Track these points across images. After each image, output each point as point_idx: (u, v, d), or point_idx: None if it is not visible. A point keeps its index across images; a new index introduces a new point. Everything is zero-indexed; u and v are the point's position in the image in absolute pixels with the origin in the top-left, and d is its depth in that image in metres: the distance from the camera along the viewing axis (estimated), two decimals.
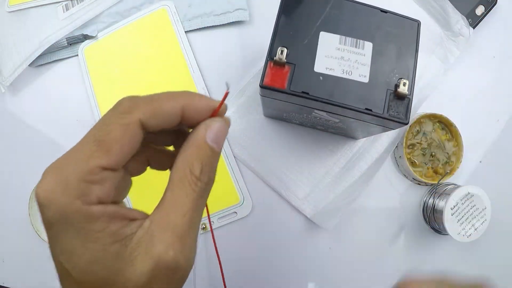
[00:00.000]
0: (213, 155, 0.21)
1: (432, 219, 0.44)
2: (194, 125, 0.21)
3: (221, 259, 0.37)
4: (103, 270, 0.18)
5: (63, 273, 0.19)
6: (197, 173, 0.20)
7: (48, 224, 0.18)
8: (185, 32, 0.48)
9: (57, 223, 0.18)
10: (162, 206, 0.20)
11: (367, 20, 0.29)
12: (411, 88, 0.28)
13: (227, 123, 0.22)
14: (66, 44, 0.49)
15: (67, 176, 0.18)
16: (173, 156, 0.22)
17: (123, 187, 0.21)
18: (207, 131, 0.21)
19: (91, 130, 0.19)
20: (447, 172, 0.45)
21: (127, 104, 0.19)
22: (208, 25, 0.48)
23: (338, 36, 0.28)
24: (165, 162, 0.24)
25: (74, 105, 0.49)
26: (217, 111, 0.21)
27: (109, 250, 0.18)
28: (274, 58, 0.27)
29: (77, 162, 0.18)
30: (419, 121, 0.45)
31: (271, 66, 0.27)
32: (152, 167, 0.24)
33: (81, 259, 0.18)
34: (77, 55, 0.49)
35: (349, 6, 0.29)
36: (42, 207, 0.18)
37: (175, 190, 0.20)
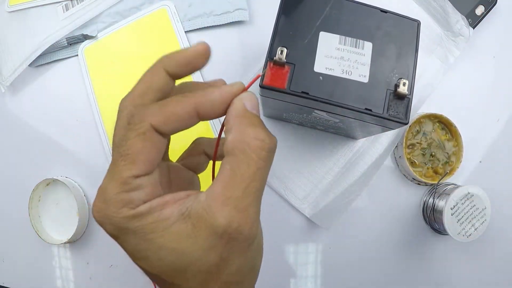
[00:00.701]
0: (261, 123, 0.21)
1: (432, 219, 0.44)
2: (215, 117, 0.21)
3: None
4: (170, 255, 0.19)
5: (147, 274, 0.21)
6: (262, 137, 0.19)
7: (114, 237, 0.20)
8: (185, 32, 0.48)
9: (118, 234, 0.19)
10: (220, 179, 0.19)
11: (367, 20, 0.28)
12: (411, 88, 0.28)
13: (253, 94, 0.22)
14: (66, 44, 0.49)
15: (108, 194, 0.19)
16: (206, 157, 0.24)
17: (187, 183, 0.24)
18: (244, 103, 0.20)
19: (114, 149, 0.20)
20: (447, 172, 0.45)
21: (137, 115, 0.20)
22: (208, 25, 0.48)
23: (338, 36, 0.28)
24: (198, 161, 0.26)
25: (74, 105, 0.49)
26: (244, 91, 0.21)
27: (169, 233, 0.19)
28: (274, 58, 0.27)
29: (114, 180, 0.19)
30: (419, 121, 0.45)
31: (271, 66, 0.27)
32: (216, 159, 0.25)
33: (148, 253, 0.19)
34: (77, 55, 0.49)
35: (349, 6, 0.29)
36: (102, 225, 0.20)
37: (233, 163, 0.19)
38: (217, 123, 0.46)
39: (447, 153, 0.46)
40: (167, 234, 0.19)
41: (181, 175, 0.26)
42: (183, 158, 0.28)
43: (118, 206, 0.19)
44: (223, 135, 0.22)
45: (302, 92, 0.27)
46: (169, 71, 0.21)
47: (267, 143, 0.19)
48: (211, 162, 0.26)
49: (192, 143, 0.28)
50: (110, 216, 0.19)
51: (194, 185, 0.27)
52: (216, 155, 0.25)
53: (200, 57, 0.21)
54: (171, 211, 0.19)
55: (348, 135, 0.44)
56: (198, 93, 0.20)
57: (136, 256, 0.20)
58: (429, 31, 0.47)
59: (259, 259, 0.23)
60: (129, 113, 0.20)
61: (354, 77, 0.27)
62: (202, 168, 0.27)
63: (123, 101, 0.21)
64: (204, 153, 0.27)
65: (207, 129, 0.46)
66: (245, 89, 0.21)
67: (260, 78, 0.27)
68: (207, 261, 0.19)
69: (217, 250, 0.19)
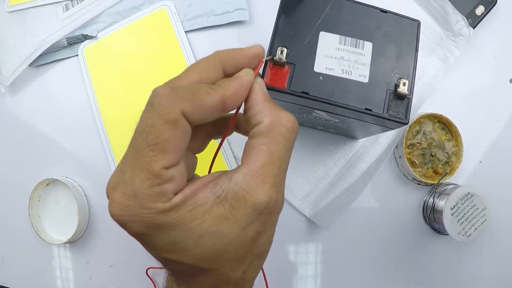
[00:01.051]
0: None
1: (432, 219, 0.44)
2: (235, 108, 0.22)
3: None
4: (210, 239, 0.19)
5: (173, 268, 0.21)
6: (292, 119, 0.21)
7: (139, 236, 0.19)
8: (185, 32, 0.48)
9: (147, 232, 0.19)
10: (257, 159, 0.20)
11: (367, 20, 0.28)
12: (411, 88, 0.28)
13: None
14: (66, 44, 0.49)
15: (137, 188, 0.18)
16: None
17: (191, 167, 0.23)
18: (262, 88, 0.22)
19: (139, 136, 0.19)
20: (447, 172, 0.45)
21: (165, 97, 0.19)
22: (208, 25, 0.48)
23: (338, 36, 0.28)
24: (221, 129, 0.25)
25: (74, 105, 0.49)
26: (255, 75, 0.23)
27: (208, 218, 0.19)
28: (274, 58, 0.27)
29: (141, 172, 0.18)
30: (419, 121, 0.45)
31: (271, 66, 0.27)
32: (216, 137, 0.26)
33: (186, 244, 0.19)
34: (77, 55, 0.49)
35: (349, 6, 0.29)
36: (124, 225, 0.19)
37: (270, 143, 0.20)
38: None
39: (447, 153, 0.46)
40: (207, 219, 0.19)
41: (186, 157, 0.26)
42: None
43: (152, 200, 0.18)
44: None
45: (302, 92, 0.27)
46: (225, 70, 0.22)
47: (296, 125, 0.21)
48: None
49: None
50: (141, 213, 0.18)
51: (195, 166, 0.25)
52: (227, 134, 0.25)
53: (255, 60, 0.23)
54: (205, 196, 0.19)
55: (348, 135, 0.44)
56: (224, 86, 0.21)
57: (169, 250, 0.19)
58: (429, 31, 0.47)
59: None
60: (159, 99, 0.19)
61: (354, 77, 0.27)
62: (202, 149, 0.27)
63: (161, 93, 0.19)
64: (208, 134, 0.26)
65: None
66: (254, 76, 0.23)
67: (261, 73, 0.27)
68: (245, 237, 0.20)
69: (255, 225, 0.20)
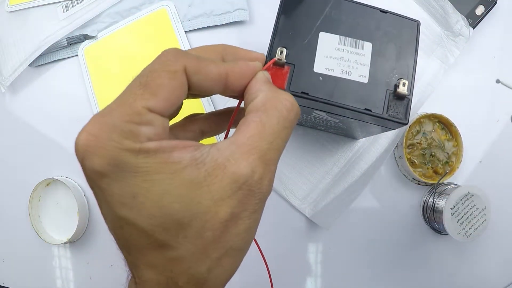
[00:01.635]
0: None
1: (432, 219, 0.44)
2: (236, 89, 0.21)
3: None
4: (175, 202, 0.16)
5: (126, 234, 0.17)
6: (292, 100, 0.20)
7: (94, 176, 0.16)
8: (185, 32, 0.48)
9: (107, 171, 0.16)
10: (246, 130, 0.18)
11: (367, 20, 0.28)
12: (411, 88, 0.28)
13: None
14: (66, 44, 0.49)
15: (113, 119, 0.16)
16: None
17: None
18: (266, 75, 0.22)
19: (136, 77, 0.18)
20: (447, 172, 0.45)
21: (172, 53, 0.19)
22: (208, 25, 0.48)
23: (337, 36, 0.28)
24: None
25: (74, 105, 0.49)
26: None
27: (178, 177, 0.16)
28: (274, 58, 0.27)
29: (123, 105, 0.17)
30: (419, 121, 0.45)
31: (270, 66, 0.27)
32: (208, 136, 0.25)
33: (147, 198, 0.16)
34: (77, 55, 0.49)
35: (349, 6, 0.29)
36: (87, 155, 0.16)
37: (263, 116, 0.19)
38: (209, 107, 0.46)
39: (447, 153, 0.46)
40: (176, 178, 0.16)
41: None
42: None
43: (123, 135, 0.16)
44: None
45: (302, 92, 0.27)
46: (224, 60, 0.21)
47: (296, 107, 0.20)
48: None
49: (184, 118, 0.25)
50: (107, 145, 0.16)
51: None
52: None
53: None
54: (181, 155, 0.17)
55: (348, 135, 0.44)
56: (231, 63, 0.21)
57: (126, 204, 0.16)
58: (429, 31, 0.47)
59: (256, 229, 0.20)
60: (167, 51, 0.19)
61: (354, 77, 0.27)
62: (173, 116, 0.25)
63: (170, 50, 0.19)
64: (200, 130, 0.25)
65: (199, 106, 0.47)
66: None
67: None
68: (216, 216, 0.17)
69: (230, 203, 0.17)
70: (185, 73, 0.19)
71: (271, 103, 0.19)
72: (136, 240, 0.17)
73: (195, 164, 0.17)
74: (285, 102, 0.19)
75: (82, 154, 0.16)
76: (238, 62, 0.21)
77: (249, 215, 0.18)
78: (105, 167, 0.16)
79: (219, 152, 0.17)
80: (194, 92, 0.20)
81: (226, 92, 0.21)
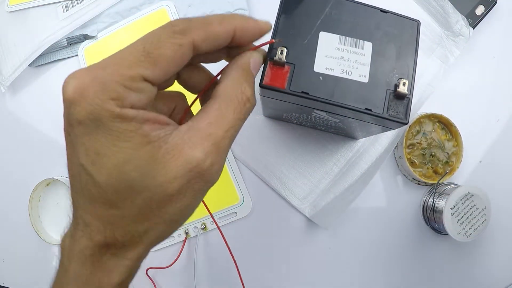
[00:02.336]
0: (253, 84, 0.23)
1: (432, 219, 0.44)
2: (242, 45, 0.23)
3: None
4: (134, 171, 0.18)
5: (83, 181, 0.19)
6: (249, 95, 0.21)
7: (73, 122, 0.18)
8: None
9: (85, 121, 0.17)
10: (206, 116, 0.20)
11: (367, 20, 0.28)
12: (411, 88, 0.28)
13: (264, 56, 0.25)
14: (66, 44, 0.49)
15: (105, 76, 0.17)
16: (207, 76, 0.24)
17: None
18: (250, 60, 0.23)
19: (140, 40, 0.19)
20: (447, 172, 0.45)
21: (181, 25, 0.19)
22: None
23: (338, 36, 0.28)
24: (197, 80, 0.24)
25: None
26: (258, 47, 0.24)
27: (142, 150, 0.18)
28: (274, 58, 0.27)
29: (120, 65, 0.18)
30: (419, 121, 0.45)
31: (271, 66, 0.27)
32: (182, 82, 0.25)
33: (110, 160, 0.18)
34: (77, 55, 0.49)
35: (349, 6, 0.29)
36: (70, 103, 0.17)
37: (223, 104, 0.20)
38: None
39: (447, 153, 0.46)
40: (140, 150, 0.18)
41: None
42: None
43: (109, 96, 0.17)
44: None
45: (302, 92, 0.27)
46: (236, 33, 0.22)
47: (252, 101, 0.22)
48: None
49: (175, 92, 0.25)
50: (91, 100, 0.17)
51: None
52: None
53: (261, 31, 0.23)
54: (150, 129, 0.18)
55: (348, 135, 0.44)
56: (239, 18, 0.21)
57: (90, 157, 0.18)
58: (429, 31, 0.47)
59: (195, 208, 0.22)
60: (176, 21, 0.20)
61: (354, 77, 0.27)
62: (169, 86, 0.25)
63: (180, 21, 0.20)
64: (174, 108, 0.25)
65: None
66: (256, 47, 0.24)
67: (260, 77, 0.27)
68: (164, 191, 0.18)
69: (179, 182, 0.19)
70: (192, 46, 0.19)
71: (231, 93, 0.21)
72: (89, 189, 0.19)
73: (157, 142, 0.18)
74: (242, 95, 0.21)
75: (69, 103, 0.17)
76: (246, 18, 0.22)
77: (193, 195, 0.20)
78: (84, 118, 0.17)
79: (179, 133, 0.19)
80: (200, 59, 0.22)
81: (232, 44, 0.22)
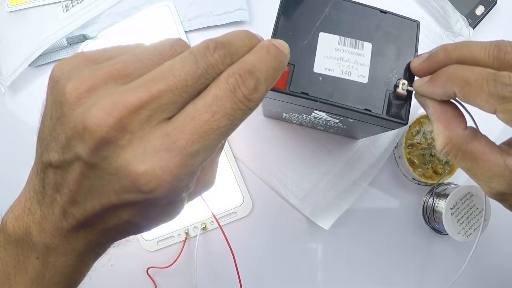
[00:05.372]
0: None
1: (432, 219, 0.44)
2: None
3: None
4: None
5: (58, 129, 0.20)
6: (251, 87, 0.18)
7: (67, 96, 0.19)
8: (185, 32, 0.48)
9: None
10: (184, 114, 0.17)
11: (367, 20, 0.29)
12: None
13: None
14: (66, 44, 0.49)
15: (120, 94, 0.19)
16: None
17: None
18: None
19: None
20: (447, 172, 0.45)
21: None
22: (208, 25, 0.48)
23: (337, 36, 0.28)
24: None
25: None
26: None
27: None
28: None
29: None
30: (419, 121, 0.45)
31: None
32: None
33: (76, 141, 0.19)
34: None
35: (349, 7, 0.29)
36: (67, 81, 0.19)
37: (210, 97, 0.18)
38: None
39: None
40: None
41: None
42: None
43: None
44: None
45: (302, 92, 0.27)
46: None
47: (252, 100, 0.20)
48: None
49: None
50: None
51: None
52: None
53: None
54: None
55: (348, 135, 0.44)
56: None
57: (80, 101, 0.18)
58: (429, 31, 0.47)
59: None
60: None
61: (354, 77, 0.27)
62: None
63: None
64: None
65: None
66: None
67: None
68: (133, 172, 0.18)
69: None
70: None
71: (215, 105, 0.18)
72: (64, 131, 0.18)
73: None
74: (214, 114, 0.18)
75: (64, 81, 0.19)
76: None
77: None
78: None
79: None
80: None
81: None
